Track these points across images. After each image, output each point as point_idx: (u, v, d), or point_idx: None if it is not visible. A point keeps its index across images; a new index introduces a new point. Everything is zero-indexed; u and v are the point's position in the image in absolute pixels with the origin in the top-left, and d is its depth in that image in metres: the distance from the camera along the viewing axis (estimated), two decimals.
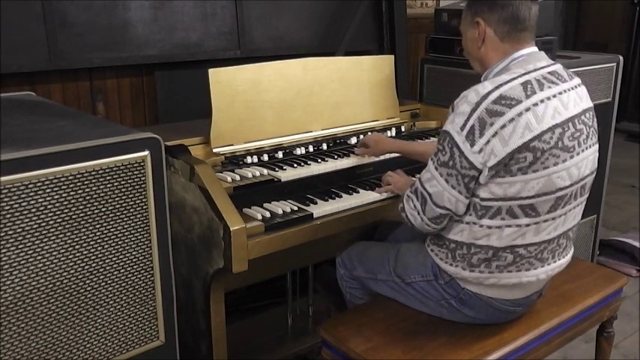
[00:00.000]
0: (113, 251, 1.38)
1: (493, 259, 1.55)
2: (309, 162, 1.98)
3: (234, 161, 1.92)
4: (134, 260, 1.42)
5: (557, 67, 1.59)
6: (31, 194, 1.24)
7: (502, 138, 1.43)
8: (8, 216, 1.22)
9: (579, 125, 1.52)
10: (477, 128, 1.44)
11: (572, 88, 1.56)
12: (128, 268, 1.42)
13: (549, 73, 1.54)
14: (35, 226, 1.26)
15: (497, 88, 1.47)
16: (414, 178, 1.89)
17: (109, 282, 1.39)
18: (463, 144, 1.46)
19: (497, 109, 1.44)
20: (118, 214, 1.37)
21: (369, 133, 2.23)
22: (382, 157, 2.09)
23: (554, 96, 1.50)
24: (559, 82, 1.54)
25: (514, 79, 1.49)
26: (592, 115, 1.61)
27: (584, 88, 1.62)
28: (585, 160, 1.55)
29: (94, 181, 1.32)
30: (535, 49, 1.61)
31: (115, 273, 1.40)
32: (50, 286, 1.30)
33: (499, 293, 1.62)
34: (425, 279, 1.68)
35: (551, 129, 1.46)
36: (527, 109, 1.44)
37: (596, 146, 1.62)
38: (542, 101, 1.47)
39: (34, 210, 1.25)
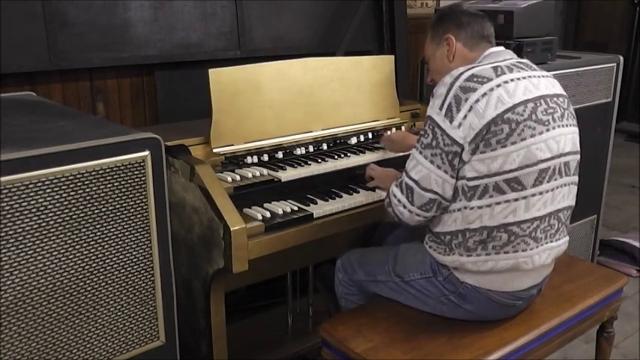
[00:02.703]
0: (113, 251, 1.38)
1: (488, 240, 1.57)
2: (309, 162, 1.98)
3: (235, 161, 1.92)
4: (134, 260, 1.42)
5: (526, 60, 1.69)
6: (32, 194, 1.24)
7: (477, 112, 1.51)
8: (8, 216, 1.22)
9: (552, 104, 1.60)
10: (454, 105, 1.53)
11: (543, 76, 1.65)
12: (128, 268, 1.42)
13: (518, 62, 1.64)
14: (35, 226, 1.25)
15: (468, 69, 1.57)
16: (393, 170, 1.95)
17: (109, 282, 1.39)
18: (443, 122, 1.53)
19: (470, 86, 1.53)
20: (118, 214, 1.37)
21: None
22: (381, 158, 2.11)
23: (524, 77, 1.59)
24: (528, 69, 1.63)
25: (485, 64, 1.60)
26: (567, 101, 1.68)
27: (557, 81, 1.71)
28: (564, 137, 1.61)
29: (94, 181, 1.32)
30: (502, 47, 1.73)
31: (115, 273, 1.40)
32: (50, 286, 1.30)
33: (497, 282, 1.62)
34: (424, 276, 1.69)
35: (524, 103, 1.54)
36: (498, 85, 1.54)
37: (576, 129, 1.68)
38: (512, 80, 1.56)
39: (34, 210, 1.25)
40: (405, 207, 1.61)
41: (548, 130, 1.56)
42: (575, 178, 1.69)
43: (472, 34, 1.72)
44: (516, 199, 1.55)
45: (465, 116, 1.51)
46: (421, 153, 1.57)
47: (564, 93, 1.69)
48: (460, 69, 1.58)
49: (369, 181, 1.95)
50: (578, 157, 1.68)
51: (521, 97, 1.54)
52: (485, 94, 1.52)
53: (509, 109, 1.51)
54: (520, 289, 1.66)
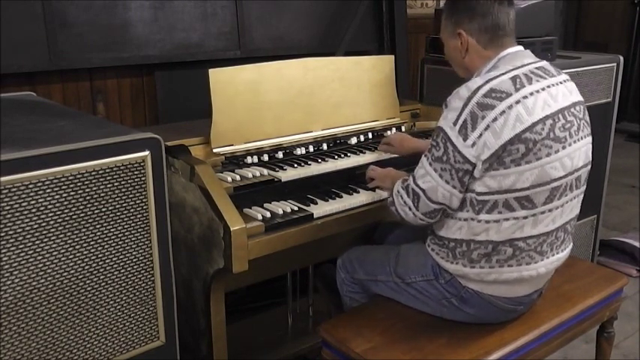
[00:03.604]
0: (113, 251, 1.38)
1: (493, 254, 1.56)
2: (309, 162, 1.98)
3: (235, 161, 1.92)
4: (134, 260, 1.42)
5: (544, 63, 1.63)
6: (31, 194, 1.23)
7: (494, 131, 1.46)
8: (8, 216, 1.22)
9: (569, 117, 1.55)
10: (469, 122, 1.47)
11: (561, 83, 1.60)
12: (128, 268, 1.42)
13: (536, 68, 1.58)
14: (35, 226, 1.25)
15: (487, 82, 1.50)
16: (393, 170, 1.92)
17: (109, 282, 1.39)
18: (456, 138, 1.49)
19: (488, 103, 1.47)
20: (118, 214, 1.37)
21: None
22: (381, 158, 2.10)
23: (543, 89, 1.53)
24: (547, 76, 1.57)
25: (503, 74, 1.53)
26: (582, 108, 1.63)
27: (573, 84, 1.66)
28: (578, 152, 1.57)
29: (94, 181, 1.32)
30: (520, 47, 1.65)
31: (115, 273, 1.40)
32: (50, 286, 1.30)
33: (500, 290, 1.62)
34: (425, 279, 1.68)
35: (542, 120, 1.49)
36: (518, 102, 1.48)
37: (589, 139, 1.64)
38: (531, 94, 1.50)
39: (34, 210, 1.25)
40: (410, 209, 1.60)
41: (564, 147, 1.52)
42: (584, 188, 1.66)
43: (486, 27, 1.61)
44: (525, 217, 1.53)
45: (481, 135, 1.46)
46: (431, 165, 1.54)
47: (581, 98, 1.64)
48: (477, 81, 1.51)
49: (369, 182, 1.95)
50: (589, 167, 1.65)
51: (539, 113, 1.49)
52: (503, 111, 1.46)
53: (528, 129, 1.47)
54: (522, 295, 1.66)
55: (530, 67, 1.57)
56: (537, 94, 1.51)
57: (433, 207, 1.57)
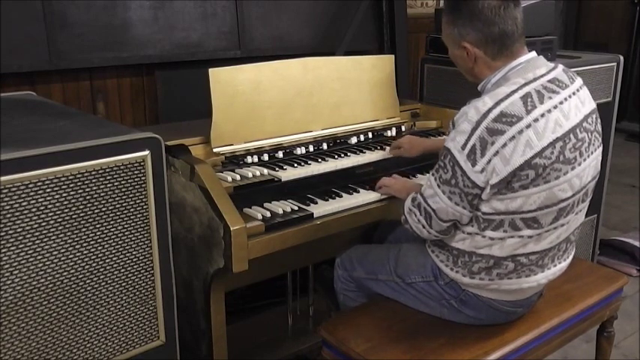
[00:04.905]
0: (113, 251, 1.38)
1: (494, 268, 1.56)
2: (309, 162, 1.98)
3: (235, 161, 1.92)
4: (134, 260, 1.42)
5: (557, 72, 1.54)
6: (31, 194, 1.24)
7: (503, 157, 1.42)
8: (8, 216, 1.22)
9: (581, 134, 1.50)
10: (478, 148, 1.43)
11: (574, 94, 1.52)
12: (128, 268, 1.42)
13: (549, 81, 1.50)
14: (35, 226, 1.25)
15: (497, 104, 1.43)
16: (409, 180, 1.91)
17: (109, 282, 1.39)
18: (465, 163, 1.45)
19: (498, 128, 1.42)
20: (118, 214, 1.37)
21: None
22: (381, 158, 2.10)
23: (555, 107, 1.46)
24: (560, 89, 1.50)
25: (514, 91, 1.45)
26: (595, 118, 1.57)
27: (586, 90, 1.59)
28: (587, 169, 1.53)
29: (94, 180, 1.32)
30: (532, 54, 1.57)
31: (115, 273, 1.40)
32: (50, 286, 1.30)
33: (500, 295, 1.62)
34: (425, 280, 1.68)
35: (552, 144, 1.44)
36: (528, 126, 1.42)
37: (599, 150, 1.59)
38: (542, 115, 1.44)
39: (34, 210, 1.25)
40: (424, 227, 1.58)
41: (573, 168, 1.48)
42: (589, 199, 1.62)
43: (493, 39, 1.51)
44: (530, 236, 1.52)
45: (490, 161, 1.42)
46: (439, 186, 1.51)
47: (593, 105, 1.57)
48: (487, 102, 1.44)
49: (382, 188, 1.90)
50: (597, 177, 1.61)
51: (550, 136, 1.43)
52: (513, 137, 1.41)
53: (537, 154, 1.42)
54: (522, 299, 1.66)
55: (542, 81, 1.49)
56: (549, 115, 1.44)
57: (445, 225, 1.56)
